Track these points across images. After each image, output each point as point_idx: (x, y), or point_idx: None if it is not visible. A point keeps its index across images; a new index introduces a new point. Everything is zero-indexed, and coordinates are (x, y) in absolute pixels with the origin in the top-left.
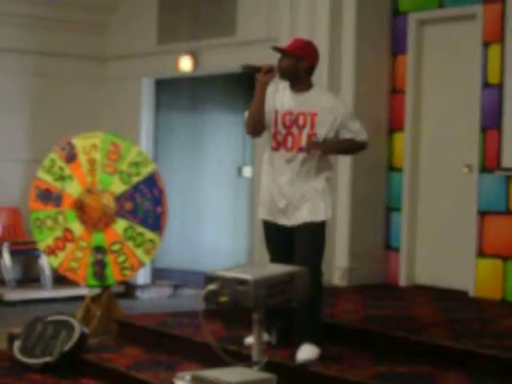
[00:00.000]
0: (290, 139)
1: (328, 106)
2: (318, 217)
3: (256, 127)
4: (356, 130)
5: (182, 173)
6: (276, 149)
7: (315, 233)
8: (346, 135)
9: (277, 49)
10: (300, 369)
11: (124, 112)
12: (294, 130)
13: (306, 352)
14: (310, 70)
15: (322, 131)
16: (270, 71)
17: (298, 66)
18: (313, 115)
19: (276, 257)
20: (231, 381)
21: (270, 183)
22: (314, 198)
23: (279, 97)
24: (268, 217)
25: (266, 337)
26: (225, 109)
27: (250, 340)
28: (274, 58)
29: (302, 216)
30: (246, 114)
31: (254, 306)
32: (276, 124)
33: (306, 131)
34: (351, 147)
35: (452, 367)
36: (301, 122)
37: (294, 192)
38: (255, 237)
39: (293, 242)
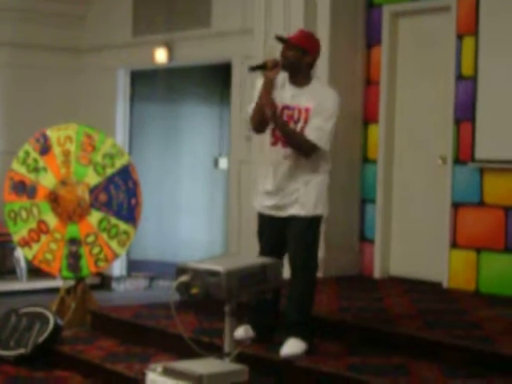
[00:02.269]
0: None
1: (323, 101)
2: (313, 211)
3: (262, 123)
4: (315, 127)
5: (157, 164)
6: (274, 144)
7: (309, 227)
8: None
9: (282, 39)
10: (272, 360)
11: (100, 104)
12: (291, 125)
13: (292, 346)
14: (312, 64)
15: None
16: (275, 66)
17: (303, 59)
18: (307, 110)
19: (266, 251)
20: (202, 372)
21: (265, 178)
22: (309, 193)
23: (278, 91)
24: (263, 210)
25: (251, 332)
26: (200, 100)
27: (237, 333)
28: (247, 49)
29: (296, 210)
30: (250, 109)
31: (225, 298)
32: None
33: (299, 125)
34: (295, 139)
35: (424, 358)
36: (296, 116)
37: (291, 187)
38: (231, 228)
39: (285, 236)
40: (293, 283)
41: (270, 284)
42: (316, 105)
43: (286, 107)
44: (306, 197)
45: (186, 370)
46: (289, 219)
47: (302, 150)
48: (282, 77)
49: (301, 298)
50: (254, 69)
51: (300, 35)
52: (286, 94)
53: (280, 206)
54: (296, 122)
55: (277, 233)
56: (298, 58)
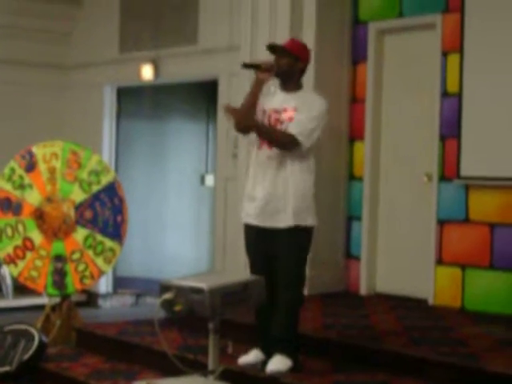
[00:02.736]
0: None
1: (310, 104)
2: (296, 221)
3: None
4: (297, 122)
5: (144, 181)
6: (260, 147)
7: (297, 238)
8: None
9: (275, 47)
10: (257, 377)
11: (86, 120)
12: (278, 128)
13: (277, 363)
14: (303, 71)
15: None
16: (269, 69)
17: (295, 65)
18: (294, 110)
19: (255, 262)
20: None
21: (251, 183)
22: (292, 201)
23: (269, 97)
24: (246, 218)
25: (262, 356)
26: (187, 117)
27: (248, 358)
28: (233, 66)
29: (279, 219)
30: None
31: (209, 315)
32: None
33: (285, 125)
34: (277, 137)
35: (409, 375)
36: (283, 117)
37: (274, 193)
38: (217, 245)
39: (273, 248)
40: (280, 299)
41: (253, 301)
42: (301, 105)
43: (274, 110)
44: (291, 206)
45: None
46: (277, 231)
47: (283, 143)
48: (274, 85)
49: (290, 314)
50: (247, 66)
51: (292, 43)
52: (276, 99)
53: (265, 214)
54: (281, 123)
55: (262, 244)
56: (291, 65)
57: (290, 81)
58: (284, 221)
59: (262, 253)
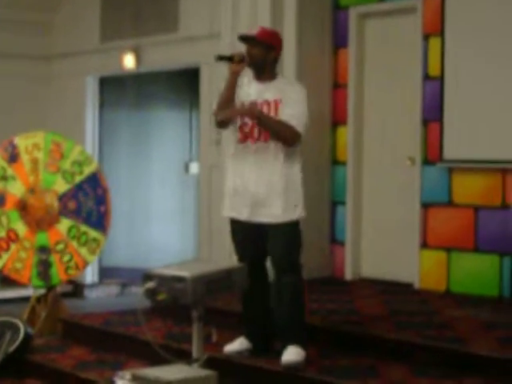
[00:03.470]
0: (256, 130)
1: (291, 93)
2: (289, 215)
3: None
4: (290, 115)
5: (128, 171)
6: (243, 141)
7: (289, 231)
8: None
9: (247, 38)
10: (242, 364)
11: (68, 111)
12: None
13: (292, 354)
14: (276, 59)
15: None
16: (241, 60)
17: (267, 55)
18: (277, 102)
19: (243, 255)
20: (171, 379)
21: (235, 178)
22: (284, 194)
23: (245, 88)
24: (234, 214)
25: (248, 344)
26: (170, 105)
27: (233, 346)
28: (215, 53)
29: (271, 214)
30: (215, 104)
31: (192, 303)
32: (242, 115)
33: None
34: (284, 132)
35: (395, 359)
36: (265, 110)
37: (262, 186)
38: (202, 233)
39: (261, 240)
40: (281, 288)
41: (237, 288)
42: (284, 96)
43: (253, 102)
44: (280, 199)
45: (155, 376)
46: (265, 223)
47: (287, 137)
48: (247, 75)
49: (294, 304)
50: (220, 58)
51: (262, 31)
52: (252, 90)
53: (252, 207)
54: None
55: (250, 237)
56: (264, 55)
57: (264, 70)
58: (275, 215)
59: (253, 246)
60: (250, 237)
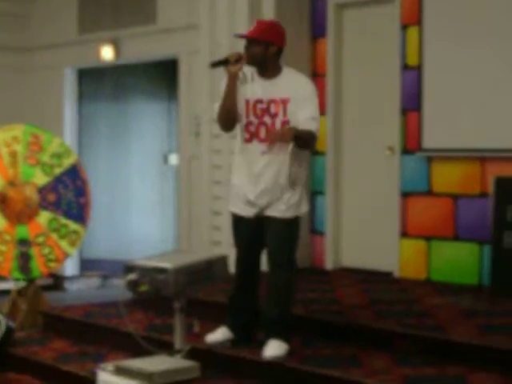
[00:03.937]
0: (263, 129)
1: (299, 89)
2: (294, 211)
3: (229, 121)
4: (310, 118)
5: (107, 163)
6: (249, 140)
7: (290, 226)
8: (297, 116)
9: (243, 37)
10: (225, 355)
11: (47, 103)
12: (267, 120)
13: (274, 348)
14: (279, 52)
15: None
16: (238, 61)
17: (267, 51)
18: (285, 102)
19: (243, 251)
20: (153, 370)
21: (242, 176)
22: (290, 190)
23: (248, 85)
24: (239, 211)
25: (229, 334)
26: (149, 97)
27: (215, 336)
28: (193, 44)
29: (277, 209)
30: (216, 107)
31: (174, 294)
32: (247, 114)
33: (279, 119)
34: (310, 140)
35: (376, 348)
36: (273, 110)
37: (269, 184)
38: (182, 224)
39: (261, 232)
40: (273, 280)
41: (218, 278)
42: (293, 94)
43: (258, 101)
44: (291, 198)
45: (138, 368)
46: (271, 218)
47: (313, 145)
48: (250, 70)
49: (282, 297)
50: (215, 65)
51: (258, 29)
52: (257, 87)
53: (258, 205)
54: (273, 116)
55: (253, 233)
56: (263, 52)
57: (267, 67)
58: (280, 210)
59: (252, 238)
60: (250, 230)
